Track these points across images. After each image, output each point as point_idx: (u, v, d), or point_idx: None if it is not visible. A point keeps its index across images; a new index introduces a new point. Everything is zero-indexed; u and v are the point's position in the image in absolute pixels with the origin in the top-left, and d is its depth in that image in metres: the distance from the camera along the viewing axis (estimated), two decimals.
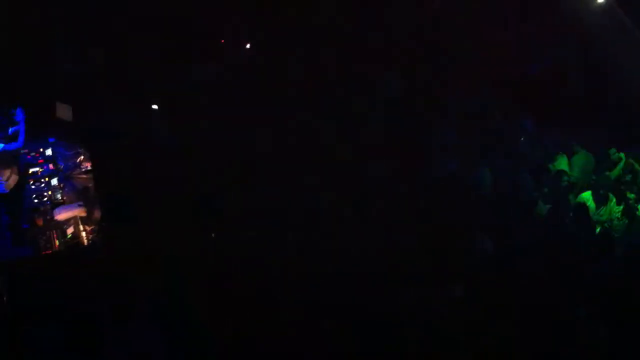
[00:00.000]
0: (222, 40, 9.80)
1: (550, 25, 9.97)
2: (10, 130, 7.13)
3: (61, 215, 6.95)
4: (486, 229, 6.56)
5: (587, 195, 7.92)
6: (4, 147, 7.03)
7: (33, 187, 7.18)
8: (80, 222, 6.90)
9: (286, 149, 8.29)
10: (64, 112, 7.73)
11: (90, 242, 6.77)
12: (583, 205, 7.50)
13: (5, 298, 6.17)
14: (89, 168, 7.47)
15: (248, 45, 10.28)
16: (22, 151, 7.46)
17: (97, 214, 7.00)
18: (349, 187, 7.39)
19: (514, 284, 5.71)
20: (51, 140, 7.70)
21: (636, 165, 8.39)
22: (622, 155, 8.55)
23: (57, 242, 6.70)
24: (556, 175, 8.26)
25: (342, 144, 8.38)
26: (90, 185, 7.33)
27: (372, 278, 5.73)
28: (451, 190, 7.33)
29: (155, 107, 8.63)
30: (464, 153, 8.47)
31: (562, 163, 8.74)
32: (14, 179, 7.24)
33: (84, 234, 6.82)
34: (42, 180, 7.25)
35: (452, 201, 6.96)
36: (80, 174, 7.46)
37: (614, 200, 7.73)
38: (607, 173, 8.49)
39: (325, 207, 7.03)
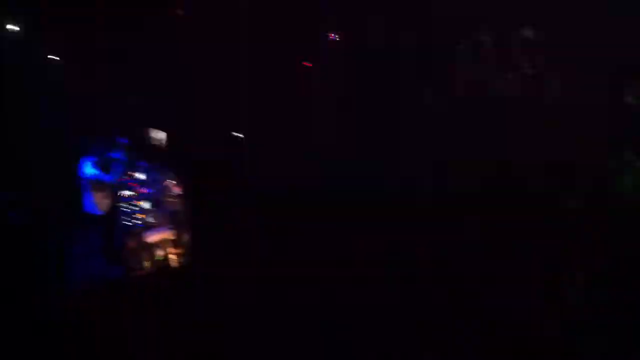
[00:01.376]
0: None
1: None
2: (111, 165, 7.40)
3: (152, 238, 7.10)
4: None
5: None
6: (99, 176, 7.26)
7: (126, 209, 7.35)
8: (169, 245, 7.03)
9: None
10: (157, 137, 7.98)
11: (178, 264, 6.87)
12: None
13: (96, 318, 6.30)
14: (179, 192, 7.62)
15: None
16: (117, 174, 7.70)
17: (186, 237, 7.12)
18: None
19: None
20: (144, 164, 7.91)
21: None
22: None
23: (147, 264, 6.83)
24: None
25: None
26: (179, 208, 7.45)
27: None
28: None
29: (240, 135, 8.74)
30: None
31: None
32: (107, 202, 7.48)
33: (172, 256, 6.93)
34: (135, 203, 7.43)
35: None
36: (170, 197, 7.62)
37: None
38: None
39: None
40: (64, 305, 6.16)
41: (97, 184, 7.29)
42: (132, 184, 7.73)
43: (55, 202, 7.81)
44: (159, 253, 6.90)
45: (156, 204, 7.51)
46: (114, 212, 7.38)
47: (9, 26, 9.09)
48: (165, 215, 7.40)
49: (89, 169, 7.22)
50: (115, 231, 7.47)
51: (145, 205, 7.43)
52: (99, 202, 7.41)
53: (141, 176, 7.80)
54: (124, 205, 7.41)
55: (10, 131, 8.38)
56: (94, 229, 7.47)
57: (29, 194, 7.70)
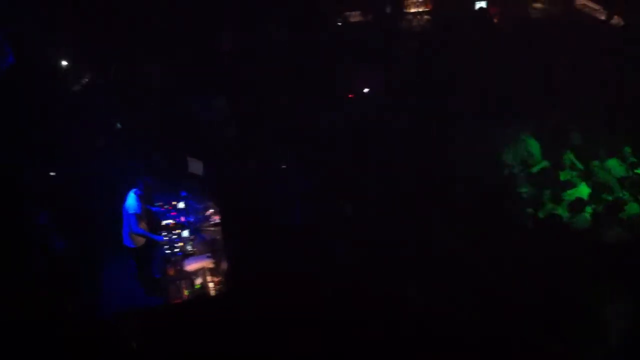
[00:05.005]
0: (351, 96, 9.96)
1: None
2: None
3: (191, 266, 7.14)
4: None
5: None
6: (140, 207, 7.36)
7: (166, 238, 7.43)
8: (208, 273, 7.05)
9: None
10: (195, 167, 8.10)
11: (216, 292, 6.87)
12: None
13: (135, 345, 6.34)
14: (218, 221, 7.67)
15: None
16: (157, 204, 7.81)
17: (224, 266, 7.12)
18: None
19: None
20: (183, 194, 8.03)
21: None
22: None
23: (185, 292, 6.85)
24: None
25: None
26: (218, 237, 7.49)
27: None
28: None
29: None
30: None
31: None
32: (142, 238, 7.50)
33: (211, 284, 6.93)
34: (174, 232, 7.50)
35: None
36: (209, 226, 7.68)
37: None
38: None
39: None
40: (99, 328, 6.25)
41: (138, 214, 7.38)
42: (172, 213, 7.85)
43: (97, 229, 7.99)
44: (198, 281, 6.91)
45: (195, 232, 7.57)
46: (154, 241, 7.45)
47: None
48: (204, 243, 7.45)
49: (130, 200, 7.32)
50: (155, 259, 7.56)
51: (185, 233, 7.50)
52: (140, 231, 7.49)
53: (181, 205, 7.91)
54: (164, 233, 7.49)
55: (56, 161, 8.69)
56: (133, 257, 7.58)
57: (73, 221, 7.89)
